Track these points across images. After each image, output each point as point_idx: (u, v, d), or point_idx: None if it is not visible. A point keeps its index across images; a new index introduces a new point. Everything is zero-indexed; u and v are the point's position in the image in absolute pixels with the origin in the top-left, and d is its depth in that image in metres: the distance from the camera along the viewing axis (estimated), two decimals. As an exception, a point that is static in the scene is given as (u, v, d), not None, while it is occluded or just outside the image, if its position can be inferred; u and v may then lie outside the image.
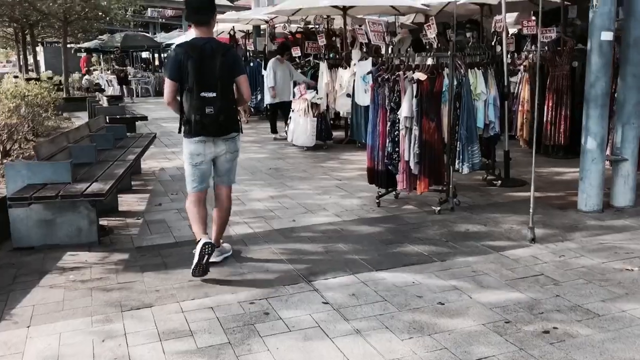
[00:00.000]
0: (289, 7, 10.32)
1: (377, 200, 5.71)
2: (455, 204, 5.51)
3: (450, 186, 5.50)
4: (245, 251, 4.50)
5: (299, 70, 10.80)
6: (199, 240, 3.84)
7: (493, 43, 7.16)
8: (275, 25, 13.77)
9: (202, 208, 4.10)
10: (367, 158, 5.73)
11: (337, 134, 10.08)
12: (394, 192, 5.90)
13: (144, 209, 5.83)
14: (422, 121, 5.24)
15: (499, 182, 6.44)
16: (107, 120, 10.02)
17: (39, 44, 32.56)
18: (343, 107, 9.50)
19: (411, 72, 5.37)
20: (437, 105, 5.39)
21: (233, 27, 15.68)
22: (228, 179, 4.19)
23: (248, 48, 14.64)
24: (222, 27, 16.59)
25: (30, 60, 24.56)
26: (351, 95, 9.19)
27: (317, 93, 9.45)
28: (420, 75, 5.21)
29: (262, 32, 15.69)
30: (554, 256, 4.24)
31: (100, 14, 17.24)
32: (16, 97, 7.11)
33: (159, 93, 22.84)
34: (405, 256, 4.31)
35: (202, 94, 3.76)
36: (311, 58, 11.28)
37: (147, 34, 32.01)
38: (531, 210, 4.57)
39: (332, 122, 10.05)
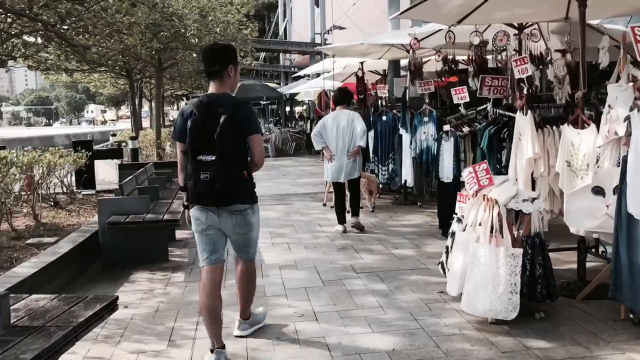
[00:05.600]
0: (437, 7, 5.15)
1: None
2: None
3: None
4: None
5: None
6: (212, 349, 3.30)
7: None
8: (422, 58, 8.60)
9: (215, 297, 3.35)
10: None
11: (563, 275, 4.60)
12: None
13: None
14: None
15: None
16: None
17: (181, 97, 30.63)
18: (581, 218, 4.12)
19: None
20: None
21: (361, 65, 10.86)
22: (245, 254, 3.57)
23: (380, 94, 9.50)
24: (348, 63, 11.86)
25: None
26: (604, 192, 3.94)
27: (512, 185, 4.18)
28: None
29: (402, 71, 10.66)
30: None
31: (194, 55, 13.47)
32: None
33: (282, 153, 18.84)
34: None
35: (199, 157, 3.18)
36: (488, 105, 5.98)
37: (271, 84, 28.34)
38: None
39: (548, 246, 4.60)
